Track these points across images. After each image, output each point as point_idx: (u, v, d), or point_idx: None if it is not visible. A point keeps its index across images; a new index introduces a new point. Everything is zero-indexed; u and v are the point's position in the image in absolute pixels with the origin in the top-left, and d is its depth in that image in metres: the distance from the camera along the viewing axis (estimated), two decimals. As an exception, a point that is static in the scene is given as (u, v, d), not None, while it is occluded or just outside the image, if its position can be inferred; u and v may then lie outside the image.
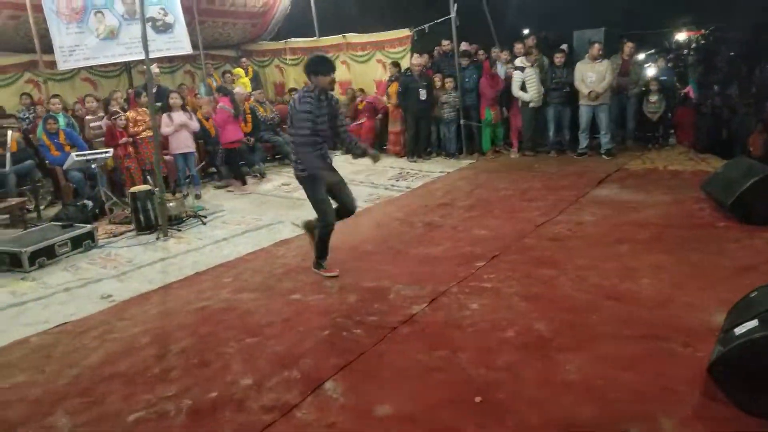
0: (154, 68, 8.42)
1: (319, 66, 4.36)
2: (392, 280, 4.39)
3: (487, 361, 3.20)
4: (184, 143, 7.61)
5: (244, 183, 8.15)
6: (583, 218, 5.64)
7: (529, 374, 3.05)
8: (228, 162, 8.23)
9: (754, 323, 2.67)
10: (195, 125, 7.71)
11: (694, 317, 3.50)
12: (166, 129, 7.33)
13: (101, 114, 8.06)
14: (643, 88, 8.68)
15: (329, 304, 4.08)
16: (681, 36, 16.60)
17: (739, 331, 2.73)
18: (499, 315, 3.73)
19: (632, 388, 2.86)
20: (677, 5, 14.43)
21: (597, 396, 2.83)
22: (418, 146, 9.23)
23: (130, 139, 7.43)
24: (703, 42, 14.20)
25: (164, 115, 7.48)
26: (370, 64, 10.48)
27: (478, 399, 2.86)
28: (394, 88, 9.16)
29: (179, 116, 7.53)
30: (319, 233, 4.54)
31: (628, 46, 8.60)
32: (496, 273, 4.41)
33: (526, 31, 13.02)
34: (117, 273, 5.11)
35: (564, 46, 8.99)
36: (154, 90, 7.92)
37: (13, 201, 6.46)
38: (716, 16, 13.34)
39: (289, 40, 11.64)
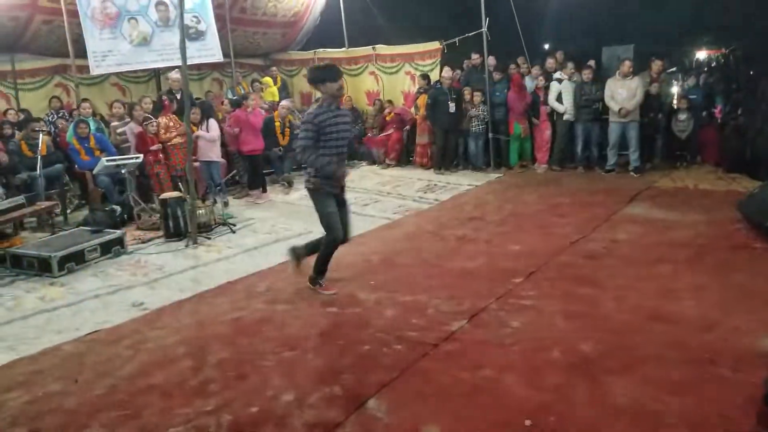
0: (173, 74, 8.42)
1: (321, 73, 4.24)
2: (429, 295, 4.32)
3: (534, 382, 3.12)
4: (205, 152, 7.58)
5: (264, 191, 8.10)
6: (617, 236, 5.58)
7: (579, 397, 2.97)
8: (249, 170, 8.21)
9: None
10: (209, 135, 7.58)
11: (742, 341, 3.43)
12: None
13: (127, 119, 8.07)
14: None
15: (366, 318, 4.01)
16: (701, 54, 16.53)
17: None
18: (542, 334, 3.66)
19: (685, 414, 2.78)
20: (697, 24, 14.41)
21: (650, 421, 2.75)
22: (446, 158, 9.20)
23: (161, 146, 7.42)
24: (722, 60, 14.10)
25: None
26: (398, 75, 10.48)
27: (528, 422, 2.77)
28: (422, 100, 9.17)
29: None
30: (323, 248, 4.39)
31: (657, 64, 8.54)
32: (535, 290, 4.33)
33: (547, 46, 13.05)
34: (147, 280, 5.06)
35: (591, 62, 8.95)
36: (178, 96, 7.94)
37: (42, 205, 6.46)
38: (737, 34, 13.28)
39: (318, 50, 11.66)
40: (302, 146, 4.18)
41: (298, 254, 4.63)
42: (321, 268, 4.47)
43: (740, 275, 4.45)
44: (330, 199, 4.30)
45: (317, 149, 4.16)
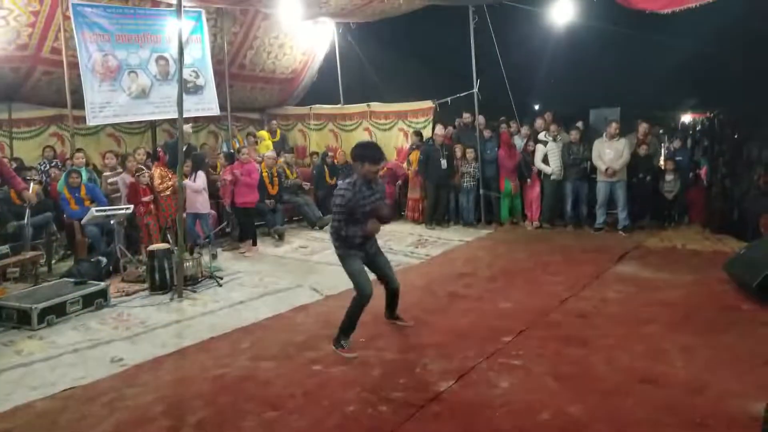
0: (188, 128, 8.52)
1: (367, 151, 4.25)
2: (417, 353, 4.25)
3: (523, 447, 3.04)
4: (191, 203, 7.51)
5: (255, 244, 8.08)
6: (607, 295, 5.57)
7: (569, 464, 2.89)
8: (241, 222, 8.20)
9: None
10: (194, 185, 7.55)
11: (732, 404, 3.41)
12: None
13: (119, 170, 8.11)
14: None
15: (353, 377, 3.92)
16: (686, 118, 17.00)
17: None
18: (532, 395, 3.58)
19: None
20: (683, 88, 14.90)
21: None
22: (437, 214, 9.26)
23: (152, 197, 7.42)
24: (707, 124, 14.50)
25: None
26: (392, 132, 10.67)
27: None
28: (415, 155, 9.31)
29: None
30: (352, 306, 4.30)
31: (644, 126, 8.76)
32: (524, 349, 4.27)
33: (538, 107, 13.42)
34: (129, 334, 4.92)
35: (579, 124, 9.17)
36: (184, 148, 7.98)
37: (28, 255, 6.37)
38: (721, 99, 13.70)
39: (314, 106, 11.90)
40: (335, 227, 4.23)
41: (341, 337, 4.39)
42: (347, 328, 4.33)
43: (728, 336, 4.44)
44: (356, 257, 4.31)
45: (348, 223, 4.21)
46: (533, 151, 8.80)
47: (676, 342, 4.34)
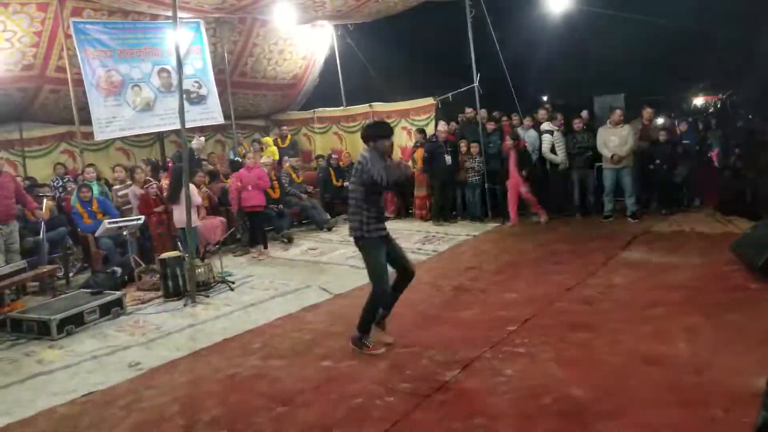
0: (202, 139, 8.74)
1: (378, 130, 4.48)
2: (423, 346, 4.32)
3: (526, 429, 3.10)
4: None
5: (266, 247, 8.20)
6: (613, 281, 5.58)
7: (571, 444, 2.95)
8: (251, 227, 8.33)
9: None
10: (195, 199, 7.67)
11: (735, 382, 3.41)
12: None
13: (129, 182, 8.31)
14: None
15: (360, 371, 4.01)
16: (699, 100, 16.79)
17: (784, 394, 2.65)
18: (535, 381, 3.64)
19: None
20: (692, 71, 14.74)
21: (644, 468, 2.71)
22: (444, 210, 9.31)
23: (163, 207, 7.59)
24: (719, 105, 14.35)
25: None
26: (395, 131, 10.73)
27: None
28: (419, 153, 9.38)
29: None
30: (370, 303, 4.29)
31: (648, 112, 8.73)
32: (529, 337, 4.33)
33: (546, 98, 13.41)
34: (145, 340, 5.09)
35: (584, 113, 9.15)
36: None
37: (45, 269, 6.56)
38: (731, 80, 13.55)
39: (317, 109, 12.04)
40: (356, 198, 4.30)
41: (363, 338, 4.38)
42: (366, 326, 4.35)
43: (734, 316, 4.44)
44: (381, 248, 4.27)
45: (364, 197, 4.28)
46: (512, 151, 8.72)
47: (681, 323, 4.35)
